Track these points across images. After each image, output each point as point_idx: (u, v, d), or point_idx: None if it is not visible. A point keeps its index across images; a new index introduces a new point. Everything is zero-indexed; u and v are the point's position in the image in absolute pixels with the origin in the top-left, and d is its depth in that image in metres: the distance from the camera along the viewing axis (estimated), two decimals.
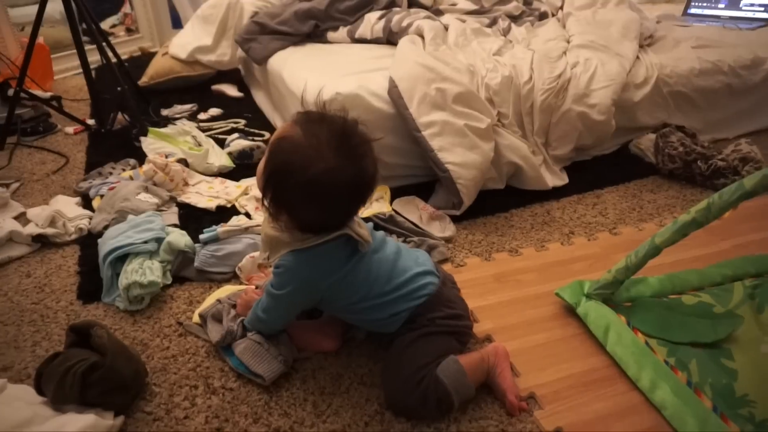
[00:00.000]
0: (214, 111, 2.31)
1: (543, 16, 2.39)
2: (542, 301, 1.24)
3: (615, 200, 1.71)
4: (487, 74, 1.73)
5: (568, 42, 2.02)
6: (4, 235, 1.38)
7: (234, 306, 1.13)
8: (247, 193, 1.66)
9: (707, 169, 1.75)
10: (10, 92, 2.06)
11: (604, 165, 1.90)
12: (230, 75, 2.65)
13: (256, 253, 1.30)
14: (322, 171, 0.86)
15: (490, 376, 1.00)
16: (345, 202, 0.92)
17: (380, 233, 1.07)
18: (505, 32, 2.18)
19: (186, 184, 1.69)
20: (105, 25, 3.15)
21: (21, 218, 1.53)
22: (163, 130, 1.95)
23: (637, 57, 1.97)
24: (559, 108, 1.75)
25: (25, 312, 1.21)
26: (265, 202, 0.93)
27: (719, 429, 0.91)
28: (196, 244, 1.33)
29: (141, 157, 1.81)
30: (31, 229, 1.43)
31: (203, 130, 2.07)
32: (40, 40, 2.26)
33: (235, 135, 1.99)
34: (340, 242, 0.95)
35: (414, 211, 1.57)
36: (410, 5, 2.26)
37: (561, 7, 2.40)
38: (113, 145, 2.01)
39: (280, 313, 1.02)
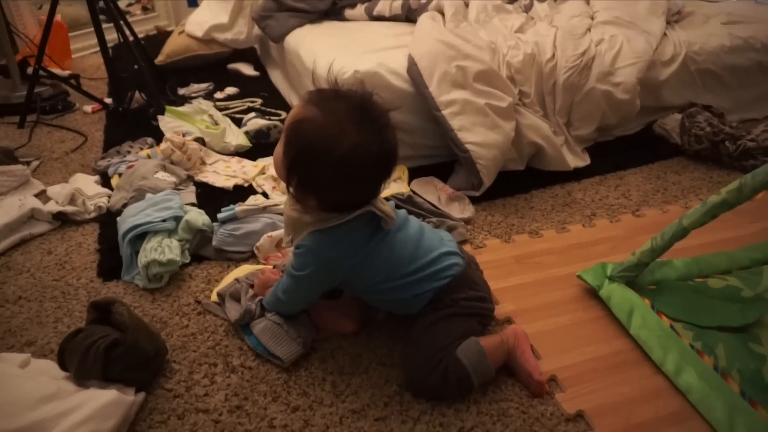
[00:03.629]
0: (230, 90, 2.29)
1: None
2: (564, 284, 1.22)
3: (638, 182, 1.67)
4: (509, 52, 1.68)
5: (593, 18, 1.96)
6: (26, 212, 1.40)
7: (252, 285, 1.13)
8: (264, 172, 1.65)
9: (735, 150, 1.69)
10: (29, 70, 2.06)
11: (627, 145, 1.86)
12: (246, 54, 2.62)
13: (274, 233, 1.30)
14: (349, 148, 0.85)
15: (512, 357, 0.98)
16: (372, 177, 0.90)
17: (402, 211, 1.06)
18: (527, 9, 2.12)
19: (203, 163, 1.68)
20: (121, 3, 3.12)
21: (41, 196, 1.54)
22: (180, 108, 1.95)
23: (665, 34, 1.91)
24: (582, 86, 1.71)
25: (47, 288, 1.23)
26: (291, 189, 0.91)
27: (748, 414, 0.89)
28: (214, 223, 1.33)
29: (158, 136, 1.81)
30: (52, 207, 1.44)
31: (220, 109, 2.06)
32: (57, 18, 2.26)
33: (252, 114, 1.98)
34: (362, 221, 0.93)
35: (432, 191, 1.55)
36: None
37: None
38: (131, 123, 2.01)
39: (301, 294, 1.01)
